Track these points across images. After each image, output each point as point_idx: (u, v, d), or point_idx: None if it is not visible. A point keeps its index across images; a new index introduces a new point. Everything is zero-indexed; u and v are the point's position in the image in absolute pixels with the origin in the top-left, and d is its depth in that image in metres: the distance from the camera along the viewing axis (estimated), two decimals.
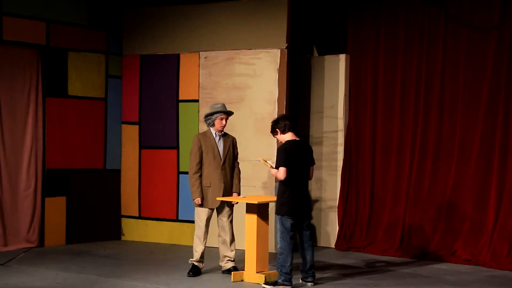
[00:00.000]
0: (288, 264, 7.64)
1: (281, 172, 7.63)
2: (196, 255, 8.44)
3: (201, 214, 8.44)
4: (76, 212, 10.76)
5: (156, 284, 7.90)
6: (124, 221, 11.30)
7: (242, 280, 8.10)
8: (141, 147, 11.19)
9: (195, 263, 8.44)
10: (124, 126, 11.32)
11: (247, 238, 8.12)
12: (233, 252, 8.49)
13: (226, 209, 8.48)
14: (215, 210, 8.49)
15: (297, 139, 7.88)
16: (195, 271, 8.40)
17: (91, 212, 10.93)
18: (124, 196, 11.29)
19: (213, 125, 8.44)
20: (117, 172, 11.28)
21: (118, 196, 11.30)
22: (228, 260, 8.48)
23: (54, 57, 10.47)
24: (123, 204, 11.29)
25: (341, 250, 10.36)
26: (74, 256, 9.66)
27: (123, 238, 11.30)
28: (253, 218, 8.06)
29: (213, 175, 8.39)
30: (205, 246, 8.48)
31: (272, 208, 8.36)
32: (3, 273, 8.33)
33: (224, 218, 8.48)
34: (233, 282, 8.04)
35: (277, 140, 8.08)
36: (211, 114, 8.41)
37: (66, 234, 10.66)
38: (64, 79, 10.63)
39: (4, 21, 9.84)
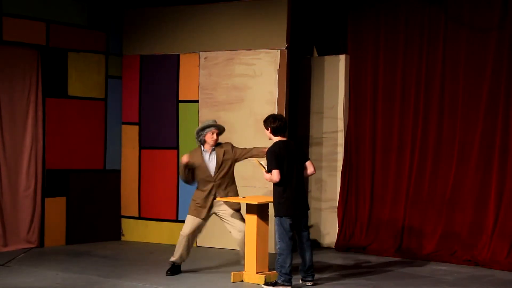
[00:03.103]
0: (288, 264, 7.63)
1: (275, 175, 7.62)
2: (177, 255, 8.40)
3: (188, 221, 8.35)
4: (76, 213, 10.76)
5: (156, 284, 7.90)
6: (124, 221, 11.30)
7: (242, 281, 8.09)
8: (141, 147, 11.19)
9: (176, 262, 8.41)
10: (124, 126, 11.32)
11: (247, 238, 8.12)
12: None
13: (240, 223, 8.31)
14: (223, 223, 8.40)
15: (285, 139, 7.88)
16: (173, 270, 8.38)
17: (91, 212, 10.93)
18: (124, 197, 11.29)
19: (204, 141, 8.32)
20: (117, 173, 11.28)
21: (118, 197, 11.29)
22: None
23: (54, 58, 10.47)
24: (123, 205, 11.29)
25: (341, 250, 10.36)
26: (74, 256, 9.66)
27: (123, 238, 11.29)
28: (253, 218, 8.06)
29: (201, 196, 8.31)
30: (187, 252, 8.39)
31: (272, 208, 8.34)
32: (3, 273, 8.34)
33: (240, 232, 8.30)
34: (233, 282, 8.04)
35: None
36: (202, 129, 8.29)
37: (66, 235, 10.66)
38: (64, 79, 10.62)
39: (4, 21, 9.84)
